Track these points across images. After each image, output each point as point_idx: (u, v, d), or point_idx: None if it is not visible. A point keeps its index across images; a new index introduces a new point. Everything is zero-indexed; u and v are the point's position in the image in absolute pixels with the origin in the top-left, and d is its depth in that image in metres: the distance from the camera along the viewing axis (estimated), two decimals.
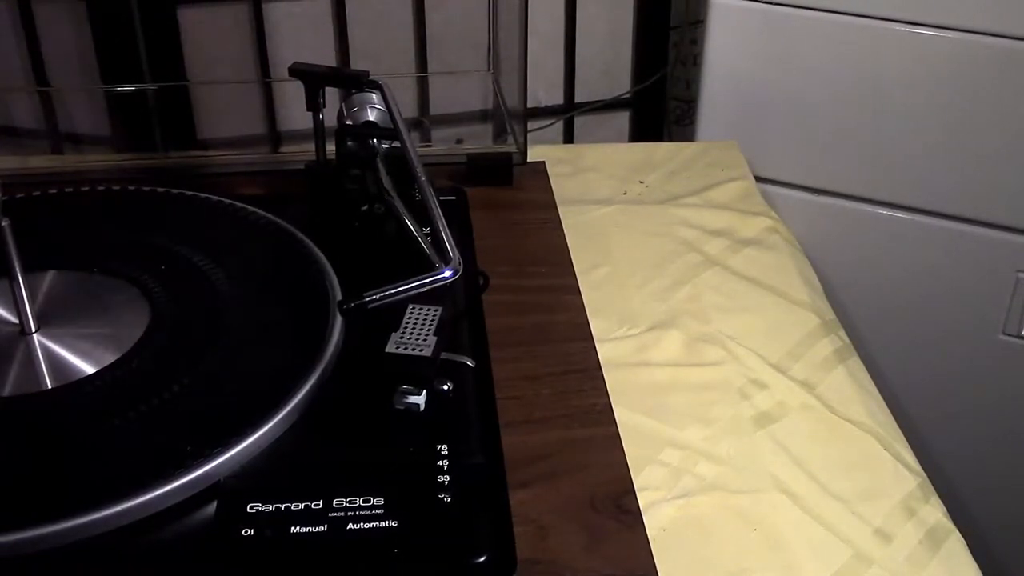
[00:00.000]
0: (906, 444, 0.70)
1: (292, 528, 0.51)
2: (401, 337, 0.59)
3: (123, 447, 0.56)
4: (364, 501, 0.53)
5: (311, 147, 0.78)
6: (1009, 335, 1.03)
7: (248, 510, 0.52)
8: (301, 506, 0.52)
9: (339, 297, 0.67)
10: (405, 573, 0.51)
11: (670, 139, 1.31)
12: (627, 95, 1.27)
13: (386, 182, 0.73)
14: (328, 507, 0.52)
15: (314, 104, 0.75)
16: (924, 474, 0.67)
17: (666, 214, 0.91)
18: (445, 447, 0.56)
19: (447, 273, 0.60)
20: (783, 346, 0.76)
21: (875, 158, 1.01)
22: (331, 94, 0.76)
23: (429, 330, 0.59)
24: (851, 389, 0.73)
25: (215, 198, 0.77)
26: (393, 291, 0.59)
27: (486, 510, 0.53)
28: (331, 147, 0.76)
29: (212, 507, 0.53)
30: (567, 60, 1.22)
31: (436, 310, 0.61)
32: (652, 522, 0.59)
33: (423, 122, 1.16)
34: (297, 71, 0.75)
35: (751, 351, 0.75)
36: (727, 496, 0.63)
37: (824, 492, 0.64)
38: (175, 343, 0.63)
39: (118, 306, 0.66)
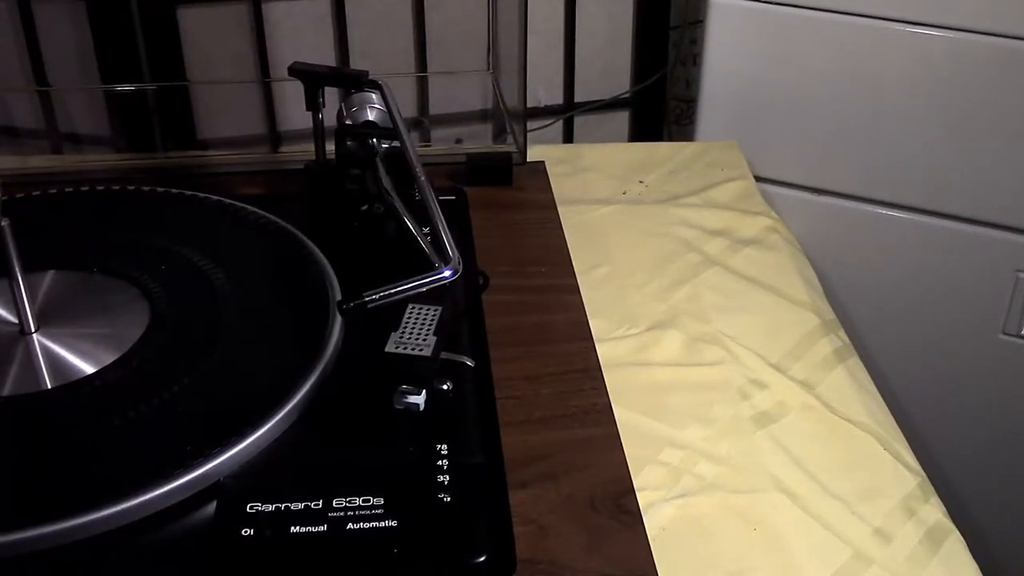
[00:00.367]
0: (906, 444, 0.70)
1: (292, 528, 0.51)
2: (401, 337, 0.59)
3: (123, 447, 0.56)
4: (364, 501, 0.53)
5: (311, 147, 0.78)
6: (1009, 335, 1.03)
7: (248, 510, 0.52)
8: (301, 506, 0.52)
9: (339, 297, 0.67)
10: (405, 573, 0.51)
11: (670, 139, 1.31)
12: (627, 95, 1.27)
13: (386, 182, 0.73)
14: (328, 507, 0.52)
15: (314, 104, 0.75)
16: (924, 474, 0.67)
17: (666, 214, 0.91)
18: (445, 447, 0.56)
19: (447, 273, 0.60)
20: (783, 346, 0.76)
21: (875, 158, 1.01)
22: (331, 94, 0.76)
23: (429, 330, 0.59)
24: (851, 389, 0.73)
25: (215, 198, 0.77)
26: (393, 291, 0.59)
27: (486, 510, 0.53)
28: (331, 147, 0.76)
29: (212, 507, 0.53)
30: (567, 60, 1.22)
31: (436, 310, 0.61)
32: (652, 522, 0.59)
33: (423, 122, 1.16)
34: (297, 71, 0.75)
35: (751, 351, 0.75)
36: (727, 496, 0.63)
37: (824, 492, 0.64)
38: (175, 343, 0.63)
39: (118, 306, 0.66)
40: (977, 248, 1.01)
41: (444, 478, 0.54)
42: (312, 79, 0.75)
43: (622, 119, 1.29)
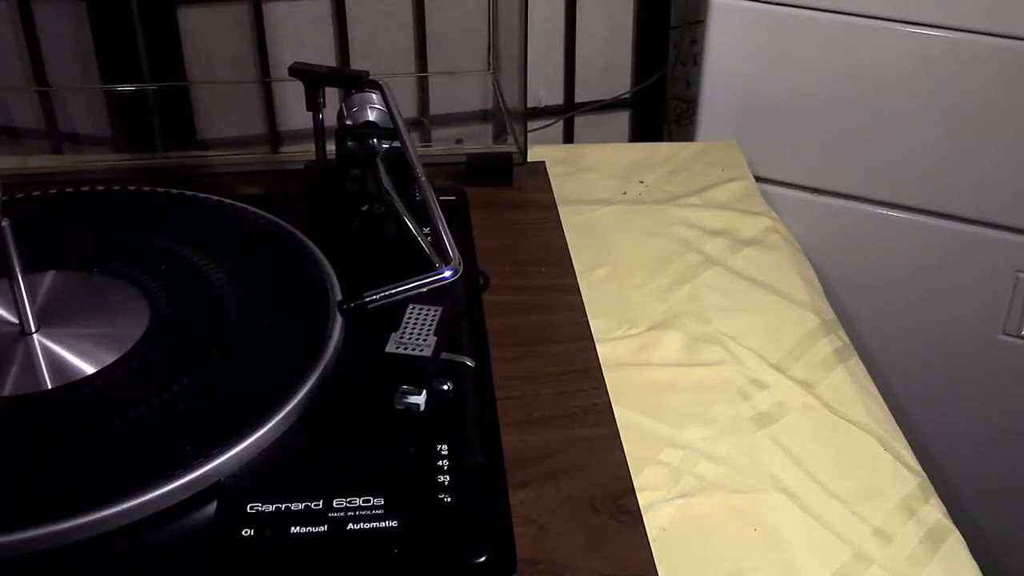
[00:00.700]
0: (906, 444, 0.70)
1: (292, 528, 0.51)
2: (401, 337, 0.59)
3: (123, 447, 0.56)
4: (364, 501, 0.53)
5: (311, 147, 0.78)
6: (1009, 335, 1.03)
7: (248, 510, 0.52)
8: (301, 506, 0.52)
9: (339, 297, 0.67)
10: (405, 573, 0.51)
11: (670, 139, 1.31)
12: (627, 95, 1.27)
13: (386, 182, 0.73)
14: (328, 507, 0.52)
15: (314, 104, 0.75)
16: (924, 474, 0.67)
17: (666, 214, 0.91)
18: (445, 447, 0.56)
19: (447, 273, 0.60)
20: (783, 346, 0.76)
21: (875, 158, 1.01)
22: (331, 94, 0.76)
23: (429, 330, 0.59)
24: (851, 389, 0.73)
25: (215, 198, 0.77)
26: (393, 291, 0.59)
27: (486, 510, 0.53)
28: (331, 147, 0.76)
29: (212, 507, 0.53)
30: (567, 60, 1.22)
31: (436, 310, 0.61)
32: (652, 522, 0.59)
33: (423, 122, 1.16)
34: (297, 71, 0.75)
35: (751, 351, 0.75)
36: (727, 496, 0.63)
37: (824, 492, 0.64)
38: (175, 343, 0.63)
39: (118, 306, 0.66)
40: (977, 248, 1.01)
41: (444, 478, 0.54)
42: (312, 79, 0.75)
43: (622, 119, 1.29)
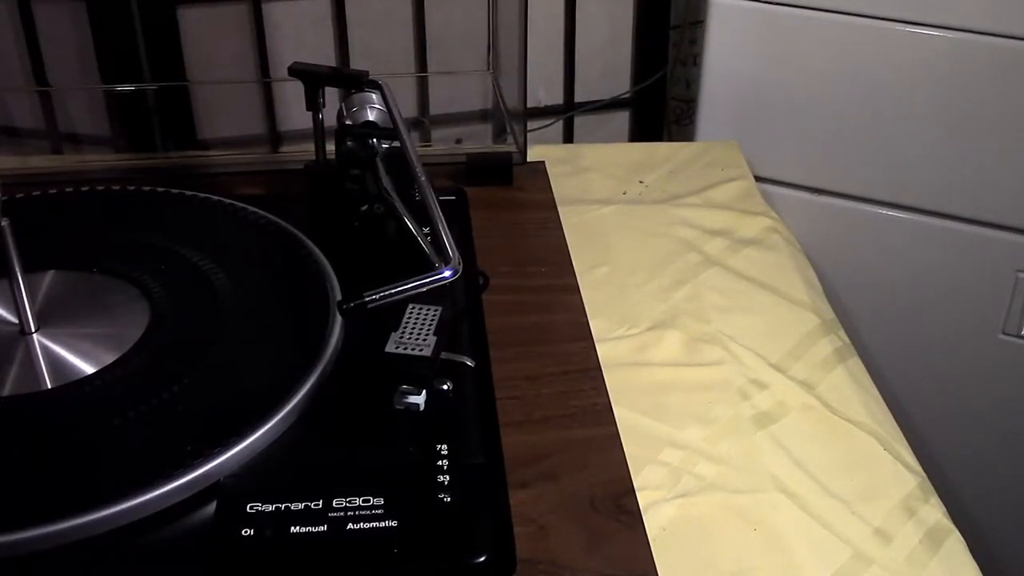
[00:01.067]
0: (906, 444, 0.70)
1: (292, 528, 0.51)
2: (401, 337, 0.59)
3: (123, 447, 0.56)
4: (364, 501, 0.53)
5: (311, 147, 0.78)
6: (1009, 335, 1.03)
7: (248, 510, 0.52)
8: (301, 506, 0.52)
9: (339, 297, 0.67)
10: (405, 573, 0.51)
11: (670, 139, 1.31)
12: (627, 95, 1.27)
13: (386, 182, 0.73)
14: (328, 507, 0.52)
15: (314, 104, 0.75)
16: (924, 474, 0.67)
17: (666, 214, 0.91)
18: (445, 447, 0.56)
19: (447, 273, 0.60)
20: (783, 346, 0.76)
21: (875, 158, 1.01)
22: (331, 94, 0.76)
23: (429, 330, 0.59)
24: (851, 389, 0.73)
25: (215, 198, 0.77)
26: (393, 291, 0.59)
27: (486, 510, 0.53)
28: (331, 147, 0.76)
29: (212, 507, 0.53)
30: (567, 60, 1.22)
31: (436, 310, 0.61)
32: (652, 522, 0.59)
33: (423, 122, 1.16)
34: (297, 71, 0.75)
35: (751, 351, 0.75)
36: (727, 496, 0.63)
37: (824, 492, 0.64)
38: (175, 343, 0.63)
39: (118, 306, 0.66)
40: (977, 248, 1.01)
41: (444, 478, 0.54)
42: (312, 79, 0.75)
43: (622, 119, 1.29)
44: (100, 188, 0.79)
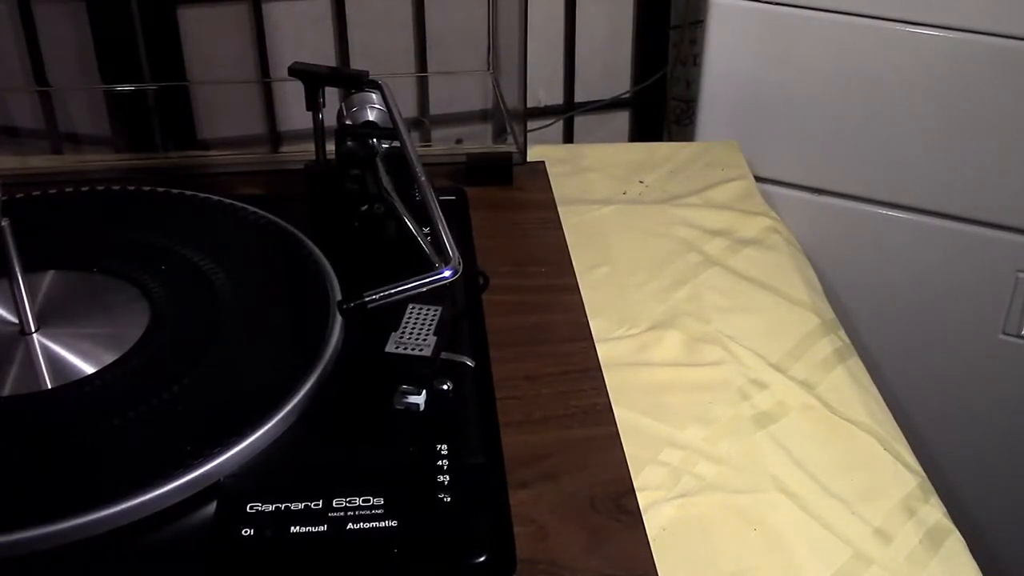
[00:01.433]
0: (906, 444, 0.70)
1: (292, 528, 0.51)
2: (401, 337, 0.59)
3: (123, 447, 0.56)
4: (364, 501, 0.53)
5: (311, 147, 0.78)
6: (1009, 335, 1.03)
7: (248, 510, 0.52)
8: (301, 506, 0.52)
9: (339, 297, 0.67)
10: (405, 573, 0.51)
11: (670, 139, 1.31)
12: (627, 95, 1.27)
13: (386, 182, 0.73)
14: (328, 507, 0.52)
15: (314, 104, 0.75)
16: (924, 474, 0.67)
17: (666, 214, 0.91)
18: (445, 447, 0.56)
19: (447, 273, 0.60)
20: (783, 346, 0.76)
21: (875, 158, 1.01)
22: (331, 94, 0.76)
23: (429, 330, 0.59)
24: (851, 389, 0.73)
25: (215, 198, 0.77)
26: (393, 291, 0.59)
27: (486, 510, 0.53)
28: (331, 147, 0.76)
29: (212, 507, 0.53)
30: (567, 60, 1.22)
31: (436, 310, 0.61)
32: (652, 522, 0.59)
33: (423, 122, 1.16)
34: (297, 71, 0.75)
35: (751, 351, 0.75)
36: (727, 496, 0.63)
37: (824, 492, 0.64)
38: (175, 343, 0.63)
39: (118, 306, 0.66)
40: (977, 248, 1.01)
41: (444, 478, 0.54)
42: (312, 79, 0.75)
43: (622, 119, 1.29)
44: (100, 188, 0.79)
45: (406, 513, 0.52)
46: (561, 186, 0.88)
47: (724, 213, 0.91)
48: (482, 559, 0.51)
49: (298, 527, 0.51)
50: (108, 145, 1.09)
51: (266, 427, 0.56)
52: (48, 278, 0.68)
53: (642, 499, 0.58)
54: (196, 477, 0.53)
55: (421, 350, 0.58)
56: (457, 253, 0.61)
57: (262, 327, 0.66)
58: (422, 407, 0.59)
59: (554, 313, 0.72)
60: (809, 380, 0.73)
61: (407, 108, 1.10)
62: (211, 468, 0.54)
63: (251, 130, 1.13)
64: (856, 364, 0.76)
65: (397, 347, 0.58)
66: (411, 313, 0.61)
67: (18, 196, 0.76)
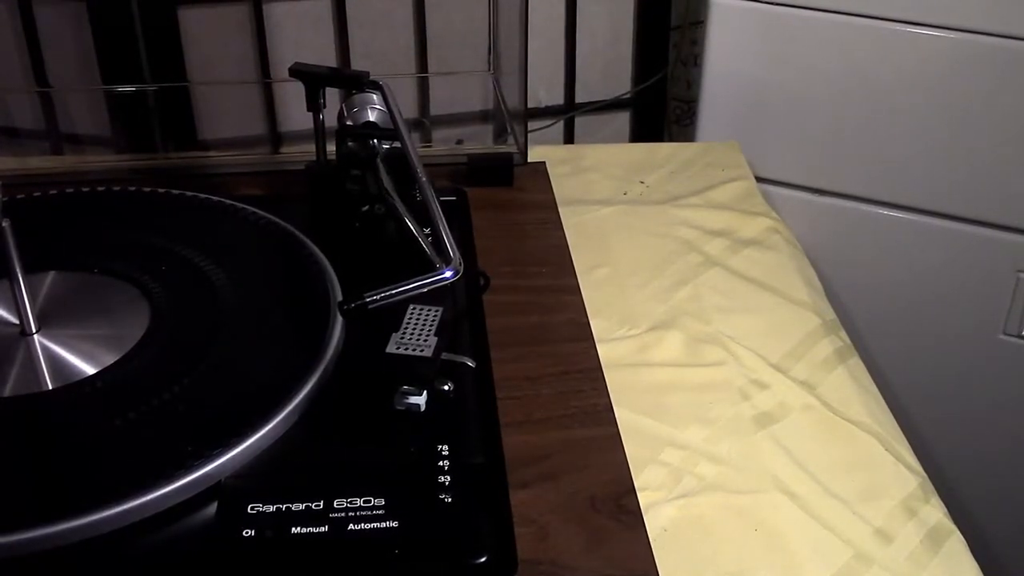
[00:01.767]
0: (906, 444, 0.70)
1: (293, 529, 0.51)
2: (402, 337, 0.59)
3: (124, 447, 0.56)
4: (365, 502, 0.53)
5: (311, 147, 0.78)
6: (1009, 335, 1.03)
7: (249, 510, 0.52)
8: (302, 506, 0.52)
9: (339, 297, 0.67)
10: (406, 573, 0.51)
11: (670, 139, 1.31)
12: (627, 95, 1.27)
13: (386, 182, 0.73)
14: (329, 507, 0.52)
15: (314, 104, 0.75)
16: (924, 474, 0.67)
17: (666, 214, 0.91)
18: (445, 447, 0.56)
19: (448, 273, 0.60)
20: (783, 346, 0.76)
21: (875, 158, 1.01)
22: (331, 94, 0.76)
23: (430, 330, 0.59)
24: (851, 389, 0.73)
25: (215, 198, 0.77)
26: (393, 291, 0.59)
27: (486, 510, 0.53)
28: (331, 147, 0.76)
29: (213, 507, 0.53)
30: (567, 60, 1.22)
31: (437, 310, 0.61)
32: (652, 522, 0.59)
33: (423, 122, 1.16)
34: (297, 71, 0.75)
35: (751, 351, 0.75)
36: (727, 496, 0.63)
37: (825, 492, 0.64)
38: (175, 343, 0.63)
39: (118, 306, 0.66)
40: (977, 248, 1.01)
41: (445, 479, 0.54)
42: (313, 80, 0.75)
43: (623, 119, 1.29)
44: (100, 189, 0.79)
45: (407, 514, 0.52)
46: (562, 186, 0.88)
47: (725, 213, 0.91)
48: (483, 559, 0.51)
49: (299, 528, 0.51)
50: (108, 146, 1.09)
51: (267, 428, 0.56)
52: (49, 279, 0.68)
53: (643, 499, 0.58)
54: (197, 478, 0.53)
55: (422, 351, 0.58)
56: (458, 253, 0.61)
57: (263, 328, 0.66)
58: (423, 408, 0.59)
59: (555, 313, 0.72)
60: (810, 380, 0.73)
61: (408, 109, 1.10)
62: (212, 469, 0.54)
63: (252, 131, 1.13)
64: (857, 364, 0.76)
65: (398, 348, 0.58)
66: (412, 314, 0.61)
67: (18, 196, 0.76)
